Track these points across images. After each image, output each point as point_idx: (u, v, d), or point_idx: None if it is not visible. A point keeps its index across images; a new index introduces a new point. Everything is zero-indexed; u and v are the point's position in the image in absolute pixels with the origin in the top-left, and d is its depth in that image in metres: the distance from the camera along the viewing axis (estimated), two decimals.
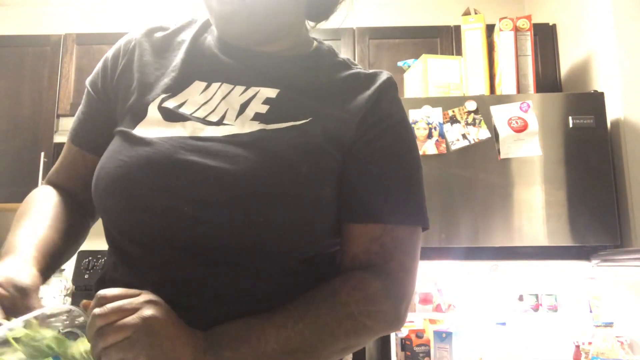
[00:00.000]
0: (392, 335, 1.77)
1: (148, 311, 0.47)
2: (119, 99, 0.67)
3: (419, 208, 0.65)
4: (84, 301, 0.51)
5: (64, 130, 2.33)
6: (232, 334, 0.52)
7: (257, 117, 0.62)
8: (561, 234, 1.76)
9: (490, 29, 2.06)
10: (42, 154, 2.27)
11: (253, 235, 0.56)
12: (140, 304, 0.48)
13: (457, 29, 2.27)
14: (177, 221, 0.56)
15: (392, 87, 0.68)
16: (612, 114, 1.86)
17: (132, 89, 0.66)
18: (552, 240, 1.76)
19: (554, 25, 2.29)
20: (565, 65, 2.23)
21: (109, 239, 0.65)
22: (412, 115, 1.85)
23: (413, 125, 1.84)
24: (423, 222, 0.65)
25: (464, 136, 1.83)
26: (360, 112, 0.63)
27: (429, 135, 1.83)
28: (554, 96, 1.85)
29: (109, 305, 0.47)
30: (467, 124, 1.84)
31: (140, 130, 0.62)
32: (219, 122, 0.61)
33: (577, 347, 1.72)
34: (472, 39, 2.00)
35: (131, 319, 0.46)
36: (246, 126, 0.61)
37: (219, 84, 0.65)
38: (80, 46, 2.38)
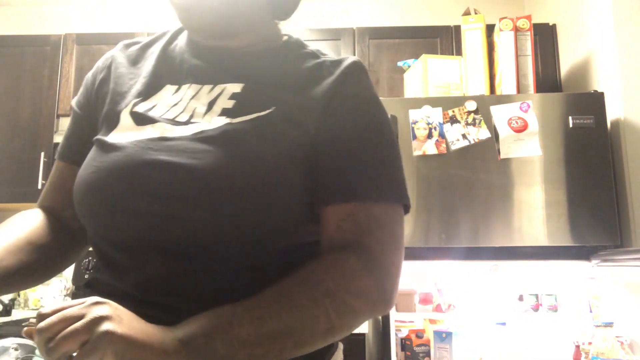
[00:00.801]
0: (392, 335, 1.77)
1: (97, 311, 0.46)
2: (99, 112, 0.70)
3: (394, 185, 0.63)
4: (25, 329, 0.49)
5: (63, 130, 2.32)
6: (202, 320, 0.51)
7: (224, 112, 0.63)
8: (561, 234, 1.76)
9: (490, 29, 2.06)
10: (42, 154, 2.27)
11: (224, 228, 0.57)
12: (86, 308, 0.46)
13: (457, 29, 2.27)
14: (149, 220, 0.57)
15: (357, 69, 0.67)
16: (612, 114, 1.86)
17: (107, 100, 0.69)
18: (552, 240, 1.76)
19: (554, 25, 2.29)
20: (565, 65, 2.23)
21: (91, 243, 0.66)
22: (412, 115, 1.85)
23: (413, 126, 1.84)
24: (400, 198, 0.63)
25: (464, 136, 1.83)
26: (326, 96, 0.63)
27: (429, 135, 1.83)
28: (554, 96, 1.85)
29: (52, 317, 0.45)
30: (467, 124, 1.84)
31: (113, 137, 0.63)
32: (188, 122, 0.63)
33: (577, 347, 1.72)
34: (472, 39, 2.00)
35: (80, 323, 0.45)
36: (213, 122, 0.62)
37: (188, 85, 0.67)
38: (80, 46, 2.38)
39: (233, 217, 0.56)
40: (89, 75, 0.74)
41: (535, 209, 1.78)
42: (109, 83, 0.70)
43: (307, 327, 0.54)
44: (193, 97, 0.65)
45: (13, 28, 2.76)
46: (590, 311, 1.83)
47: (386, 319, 1.78)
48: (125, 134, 0.63)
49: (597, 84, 1.98)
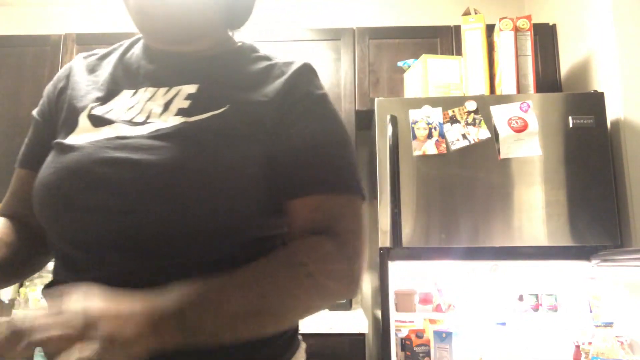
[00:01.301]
0: (392, 335, 1.77)
1: (79, 302, 0.46)
2: (58, 119, 0.71)
3: (353, 178, 0.67)
4: None
5: None
6: (193, 293, 0.52)
7: (180, 112, 0.64)
8: (561, 234, 1.76)
9: (490, 29, 2.06)
10: None
11: (181, 222, 0.57)
12: (69, 314, 0.46)
13: (457, 29, 2.27)
14: (106, 216, 0.57)
15: (308, 71, 0.71)
16: (612, 114, 1.86)
17: (65, 107, 0.71)
18: (552, 240, 1.76)
19: (554, 25, 2.29)
20: (565, 65, 2.23)
21: (51, 245, 0.66)
22: (412, 115, 1.85)
23: (413, 126, 1.84)
24: (357, 191, 0.67)
25: (464, 136, 1.83)
26: (279, 94, 0.67)
27: (429, 135, 1.83)
28: (554, 96, 1.85)
29: (44, 336, 0.44)
30: (467, 124, 1.84)
31: (71, 139, 0.65)
32: (144, 122, 0.64)
33: (577, 347, 1.72)
34: (472, 39, 2.00)
35: (75, 332, 0.44)
36: (169, 121, 0.63)
37: (145, 88, 0.69)
38: (80, 46, 2.38)
39: (190, 212, 0.57)
40: (50, 85, 0.77)
41: (535, 209, 1.78)
42: (67, 91, 0.72)
43: (289, 307, 0.57)
44: (149, 99, 0.67)
45: (13, 28, 2.76)
46: (590, 311, 1.83)
47: (386, 319, 1.78)
48: (83, 136, 0.64)
49: (597, 84, 1.98)
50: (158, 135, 0.61)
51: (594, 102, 1.82)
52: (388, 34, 2.32)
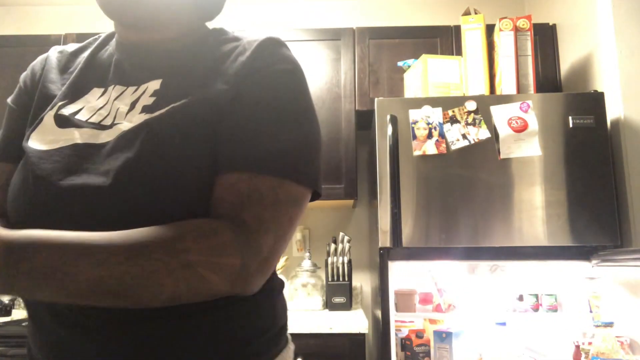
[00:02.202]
0: (392, 335, 1.77)
1: None
2: (30, 110, 0.71)
3: (288, 159, 0.59)
4: None
5: None
6: (39, 260, 0.50)
7: (144, 109, 0.63)
8: (561, 234, 1.76)
9: (490, 29, 2.06)
10: None
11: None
12: None
13: (457, 29, 2.27)
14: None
15: (272, 43, 0.66)
16: (612, 113, 1.86)
17: (35, 100, 0.70)
18: (552, 240, 1.76)
19: (554, 25, 2.29)
20: (565, 65, 2.23)
21: None
22: (412, 115, 1.85)
23: (413, 126, 1.84)
24: (291, 173, 0.59)
25: (464, 136, 1.83)
26: (238, 72, 0.63)
27: (429, 135, 1.83)
28: (554, 96, 1.85)
29: None
30: (467, 124, 1.84)
31: (35, 140, 0.63)
32: (112, 124, 0.63)
33: (577, 347, 1.72)
34: (472, 39, 2.00)
35: None
36: (134, 120, 0.62)
37: (113, 86, 0.67)
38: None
39: (138, 219, 0.55)
40: (26, 73, 0.76)
41: (535, 209, 1.78)
42: (39, 84, 0.71)
43: (150, 291, 0.51)
44: (117, 98, 0.66)
45: (13, 28, 2.76)
46: (590, 311, 1.83)
47: (386, 319, 1.78)
48: (47, 137, 0.63)
49: (597, 84, 1.98)
50: (122, 143, 0.60)
51: (594, 102, 1.82)
52: (388, 34, 2.32)
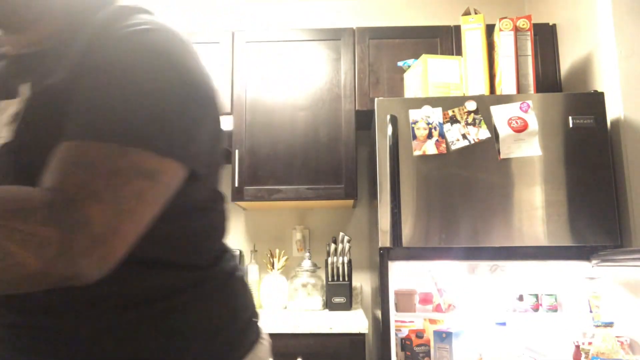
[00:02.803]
0: (392, 335, 1.77)
1: None
2: None
3: (133, 124, 0.52)
4: None
5: None
6: None
7: (14, 118, 0.59)
8: (561, 234, 1.76)
9: (490, 29, 2.06)
10: None
11: None
12: None
13: (457, 29, 2.27)
14: None
15: (120, 12, 0.60)
16: (612, 113, 1.86)
17: None
18: (552, 240, 1.76)
19: (554, 25, 2.29)
20: (565, 65, 2.23)
21: None
22: (412, 115, 1.85)
23: (413, 126, 1.84)
24: (136, 140, 0.51)
25: (464, 136, 1.83)
26: (86, 48, 0.58)
27: (429, 135, 1.83)
28: (554, 96, 1.85)
29: None
30: (467, 124, 1.84)
31: None
32: None
33: (577, 347, 1.72)
34: (472, 39, 2.00)
35: None
36: (3, 132, 0.59)
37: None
38: None
39: None
40: None
41: (535, 209, 1.78)
42: None
43: None
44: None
45: None
46: (590, 311, 1.83)
47: (386, 319, 1.78)
48: None
49: (597, 84, 1.98)
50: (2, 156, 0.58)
51: (594, 102, 1.82)
52: (388, 34, 2.32)
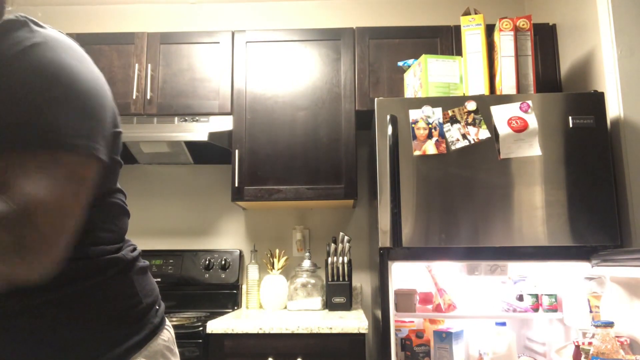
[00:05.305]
0: (392, 335, 1.77)
1: None
2: None
3: (38, 129, 0.58)
4: None
5: None
6: None
7: None
8: (561, 234, 1.76)
9: (490, 29, 2.06)
10: None
11: None
12: None
13: (457, 29, 2.27)
14: None
15: (5, 26, 0.63)
16: (612, 113, 1.86)
17: None
18: (552, 240, 1.76)
19: (554, 25, 2.29)
20: (565, 65, 2.23)
21: None
22: (412, 115, 1.85)
23: (413, 126, 1.84)
24: (42, 143, 0.58)
25: (464, 136, 1.83)
26: None
27: (429, 135, 1.83)
28: (554, 96, 1.85)
29: None
30: (467, 124, 1.84)
31: None
32: None
33: (577, 347, 1.72)
34: (472, 39, 2.00)
35: None
36: None
37: None
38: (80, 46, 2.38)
39: None
40: None
41: (535, 209, 1.78)
42: None
43: None
44: None
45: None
46: (590, 311, 1.83)
47: (386, 319, 1.78)
48: None
49: (597, 84, 1.98)
50: None
51: (594, 102, 1.82)
52: (388, 34, 2.32)
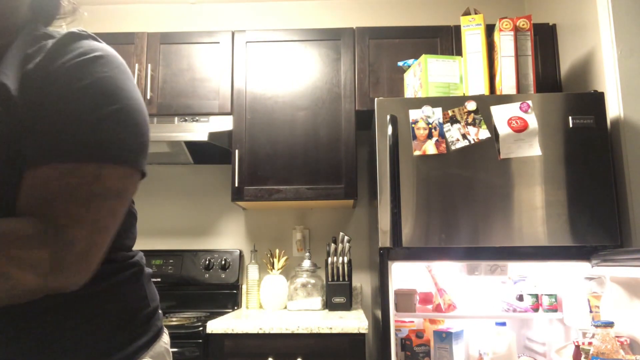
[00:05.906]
0: (392, 335, 1.77)
1: None
2: None
3: (77, 142, 0.58)
4: None
5: None
6: None
7: None
8: (561, 234, 1.76)
9: (490, 29, 2.06)
10: None
11: None
12: None
13: (457, 29, 2.27)
14: None
15: (69, 38, 0.64)
16: (612, 113, 1.86)
17: None
18: (552, 240, 1.76)
19: (554, 25, 2.29)
20: (565, 65, 2.23)
21: None
22: (412, 115, 1.85)
23: (413, 126, 1.84)
24: (81, 155, 0.57)
25: (464, 136, 1.83)
26: (36, 70, 0.61)
27: (429, 135, 1.83)
28: (554, 96, 1.85)
29: None
30: (467, 124, 1.84)
31: None
32: None
33: (577, 347, 1.72)
34: (472, 39, 2.00)
35: None
36: None
37: None
38: None
39: None
40: None
41: (535, 209, 1.78)
42: None
43: None
44: None
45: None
46: (590, 311, 1.83)
47: (386, 319, 1.78)
48: None
49: (597, 84, 1.98)
50: None
51: (594, 102, 1.82)
52: (388, 34, 2.32)
